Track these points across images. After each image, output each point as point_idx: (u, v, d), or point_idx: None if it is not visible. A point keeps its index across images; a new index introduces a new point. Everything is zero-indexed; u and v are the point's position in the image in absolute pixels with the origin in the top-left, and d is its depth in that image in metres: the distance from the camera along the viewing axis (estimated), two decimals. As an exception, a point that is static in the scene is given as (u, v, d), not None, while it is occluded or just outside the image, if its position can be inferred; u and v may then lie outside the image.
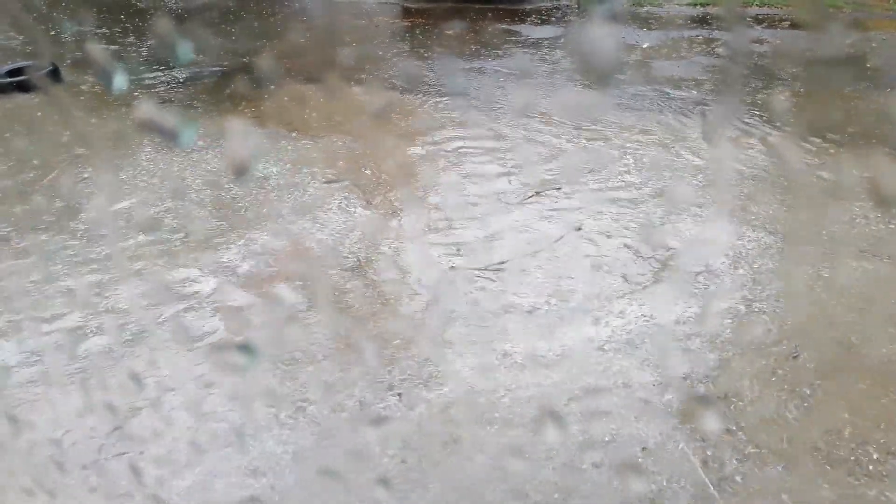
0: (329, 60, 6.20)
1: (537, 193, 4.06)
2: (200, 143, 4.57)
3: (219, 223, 3.90)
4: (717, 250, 3.55)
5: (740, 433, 2.51)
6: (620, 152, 4.60)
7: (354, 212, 4.00)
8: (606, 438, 2.51)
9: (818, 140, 4.52)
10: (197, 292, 3.34)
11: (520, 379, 2.77)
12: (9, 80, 5.50)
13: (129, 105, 4.83)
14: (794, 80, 5.67)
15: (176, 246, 3.72)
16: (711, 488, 2.29)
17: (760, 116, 4.96)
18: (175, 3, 8.11)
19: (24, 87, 5.50)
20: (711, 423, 2.57)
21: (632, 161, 4.48)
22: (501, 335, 3.00)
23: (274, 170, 4.43)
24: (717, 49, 6.47)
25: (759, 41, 6.60)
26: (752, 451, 2.43)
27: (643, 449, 2.46)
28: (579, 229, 3.72)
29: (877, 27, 7.08)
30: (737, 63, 5.87)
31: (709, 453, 2.43)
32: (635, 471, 2.39)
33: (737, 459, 2.40)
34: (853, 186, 3.98)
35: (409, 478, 2.38)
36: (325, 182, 4.29)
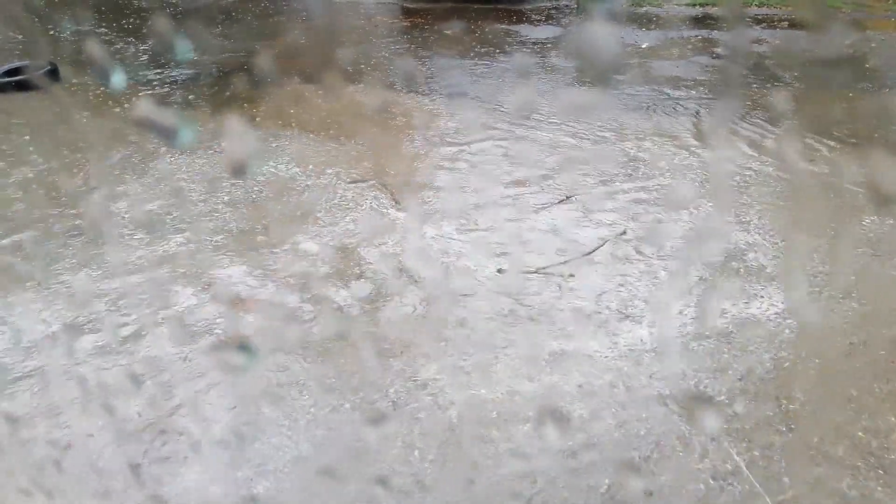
0: (331, 61, 6.20)
1: (567, 198, 4.04)
2: (224, 143, 4.55)
3: (254, 225, 3.88)
4: (758, 252, 3.55)
5: (790, 434, 2.50)
6: (628, 154, 4.60)
7: (387, 213, 3.98)
8: (642, 432, 2.52)
9: (818, 139, 4.53)
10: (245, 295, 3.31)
11: (575, 378, 2.78)
12: (8, 79, 5.49)
13: (131, 104, 4.83)
14: (794, 80, 5.68)
15: (218, 247, 3.68)
16: (758, 487, 2.29)
17: (760, 116, 4.96)
18: (174, 3, 8.11)
19: (23, 87, 5.50)
20: (761, 423, 2.55)
21: (639, 162, 4.49)
22: (560, 337, 2.98)
23: (297, 170, 4.43)
24: (716, 49, 6.48)
25: (759, 41, 6.60)
26: (802, 452, 2.42)
27: (686, 446, 2.46)
28: (623, 234, 3.69)
29: (876, 27, 7.08)
30: (736, 63, 5.87)
31: (755, 454, 2.42)
32: (677, 467, 2.40)
33: (785, 461, 2.39)
34: (854, 185, 3.99)
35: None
36: (351, 182, 4.28)
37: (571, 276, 3.36)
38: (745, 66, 5.89)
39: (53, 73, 5.65)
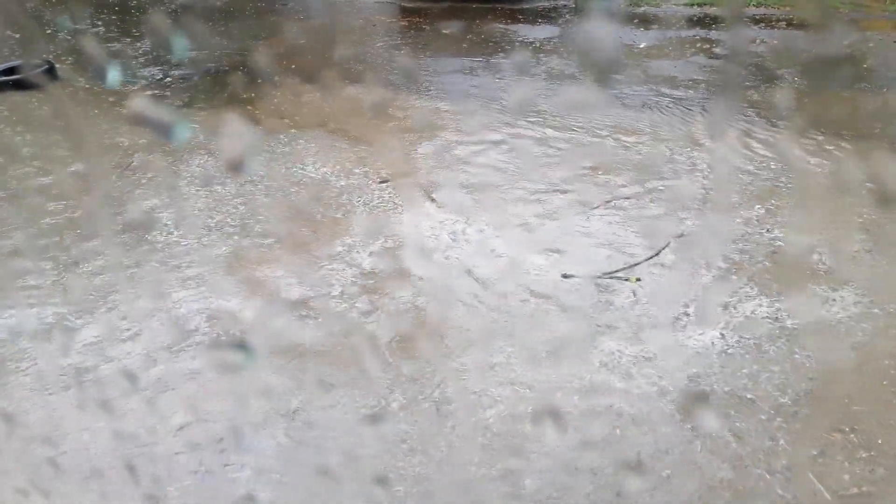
0: (333, 61, 6.18)
1: (606, 203, 4.00)
2: (245, 145, 4.48)
3: (300, 227, 3.87)
4: (825, 253, 3.54)
5: (852, 435, 2.51)
6: (632, 153, 4.60)
7: (427, 213, 3.96)
8: (687, 429, 2.56)
9: (818, 138, 4.53)
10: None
11: (660, 383, 2.80)
12: (5, 78, 5.48)
13: (129, 103, 4.80)
14: (792, 79, 5.68)
15: (275, 250, 3.66)
16: (817, 484, 2.31)
17: (759, 116, 4.96)
18: (173, 2, 8.09)
19: (20, 86, 5.49)
20: (824, 423, 2.57)
21: (641, 160, 4.49)
22: (642, 344, 2.98)
23: (325, 170, 4.42)
24: (714, 49, 6.48)
25: (757, 41, 6.60)
26: (864, 454, 2.44)
27: (739, 439, 2.49)
28: (681, 236, 3.67)
29: (874, 28, 7.09)
30: (734, 63, 5.88)
31: (817, 451, 2.45)
32: (737, 462, 2.42)
33: (848, 462, 2.41)
34: (855, 183, 4.00)
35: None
36: (381, 182, 4.27)
37: (639, 280, 3.36)
38: (743, 65, 5.89)
39: (51, 72, 5.64)
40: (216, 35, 6.77)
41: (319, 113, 5.16)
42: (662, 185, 4.20)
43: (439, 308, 3.22)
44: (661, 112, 5.19)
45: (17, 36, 6.65)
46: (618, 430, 2.58)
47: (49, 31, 6.88)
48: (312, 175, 4.38)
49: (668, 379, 2.79)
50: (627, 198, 4.06)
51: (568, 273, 3.38)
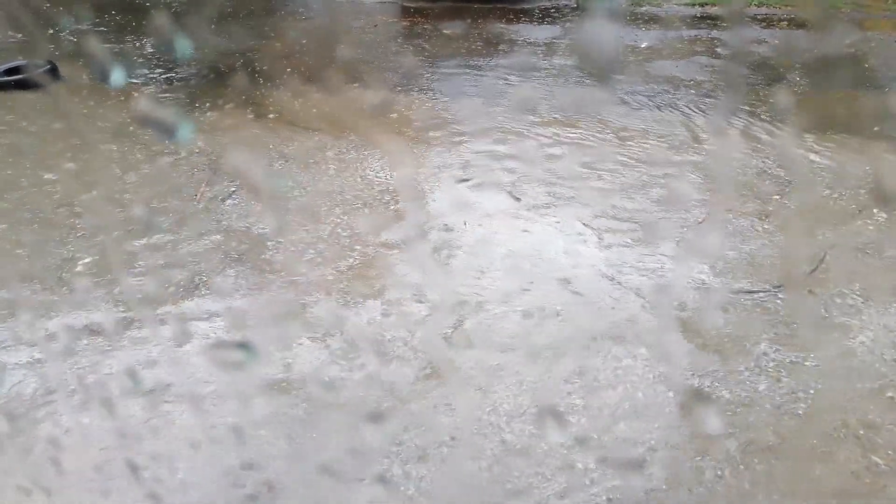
0: (338, 61, 6.18)
1: (708, 216, 3.92)
2: (327, 152, 4.49)
3: (413, 233, 3.83)
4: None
5: None
6: (633, 154, 4.59)
7: (526, 214, 3.89)
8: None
9: (817, 138, 4.54)
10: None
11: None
12: (8, 78, 5.49)
13: (135, 103, 4.78)
14: (793, 79, 5.68)
15: (403, 258, 3.58)
16: None
17: (760, 115, 4.96)
18: (175, 2, 8.10)
19: (23, 86, 5.50)
20: None
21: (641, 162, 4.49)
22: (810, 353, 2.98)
23: (399, 174, 4.38)
24: (716, 49, 6.48)
25: (758, 41, 6.60)
26: None
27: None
28: (833, 246, 3.59)
29: (875, 27, 7.09)
30: (735, 62, 5.88)
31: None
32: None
33: None
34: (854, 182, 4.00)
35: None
36: (459, 182, 4.22)
37: (810, 291, 3.31)
38: (744, 65, 5.89)
39: (53, 72, 5.65)
40: (219, 35, 6.78)
41: (351, 117, 5.05)
42: (746, 194, 4.13)
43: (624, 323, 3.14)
44: (661, 112, 5.19)
45: (20, 36, 6.66)
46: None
47: (52, 31, 6.89)
48: (392, 181, 4.29)
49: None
50: (729, 210, 3.97)
51: (709, 286, 3.33)
